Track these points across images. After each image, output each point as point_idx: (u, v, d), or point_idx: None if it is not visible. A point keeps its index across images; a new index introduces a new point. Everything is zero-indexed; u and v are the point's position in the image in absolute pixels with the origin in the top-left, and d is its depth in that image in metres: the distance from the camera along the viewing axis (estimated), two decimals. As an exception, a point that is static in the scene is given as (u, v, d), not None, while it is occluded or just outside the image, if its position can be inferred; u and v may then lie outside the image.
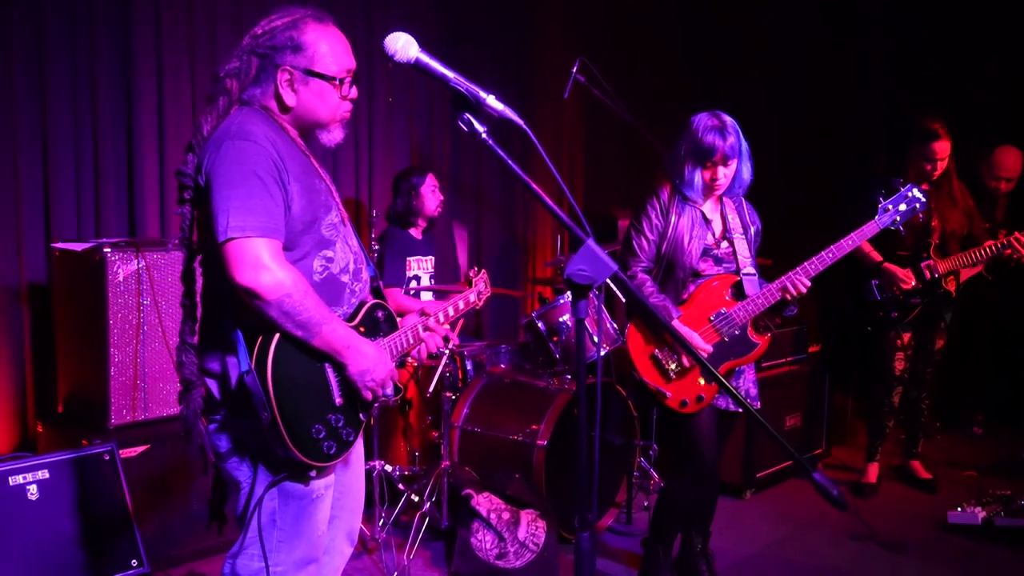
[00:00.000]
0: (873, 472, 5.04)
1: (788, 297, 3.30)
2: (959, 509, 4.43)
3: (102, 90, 4.27)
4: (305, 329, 2.17)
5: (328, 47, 2.28)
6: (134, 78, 4.36)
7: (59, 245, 3.91)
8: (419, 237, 4.78)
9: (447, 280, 4.88)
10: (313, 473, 2.29)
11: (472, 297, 2.93)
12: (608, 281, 1.66)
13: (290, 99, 2.29)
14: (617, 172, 6.94)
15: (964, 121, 5.29)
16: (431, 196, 4.71)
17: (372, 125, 5.43)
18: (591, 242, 1.59)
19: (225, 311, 2.21)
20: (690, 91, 7.02)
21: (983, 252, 4.52)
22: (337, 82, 2.30)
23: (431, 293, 4.72)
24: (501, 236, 6.37)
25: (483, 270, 3.12)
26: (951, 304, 4.75)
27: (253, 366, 2.13)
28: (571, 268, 1.59)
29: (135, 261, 3.70)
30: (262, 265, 2.10)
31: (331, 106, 2.33)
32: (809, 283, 3.29)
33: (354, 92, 2.37)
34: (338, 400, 2.30)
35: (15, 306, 4.09)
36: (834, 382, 5.55)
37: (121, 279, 3.67)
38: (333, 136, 2.39)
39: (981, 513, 4.36)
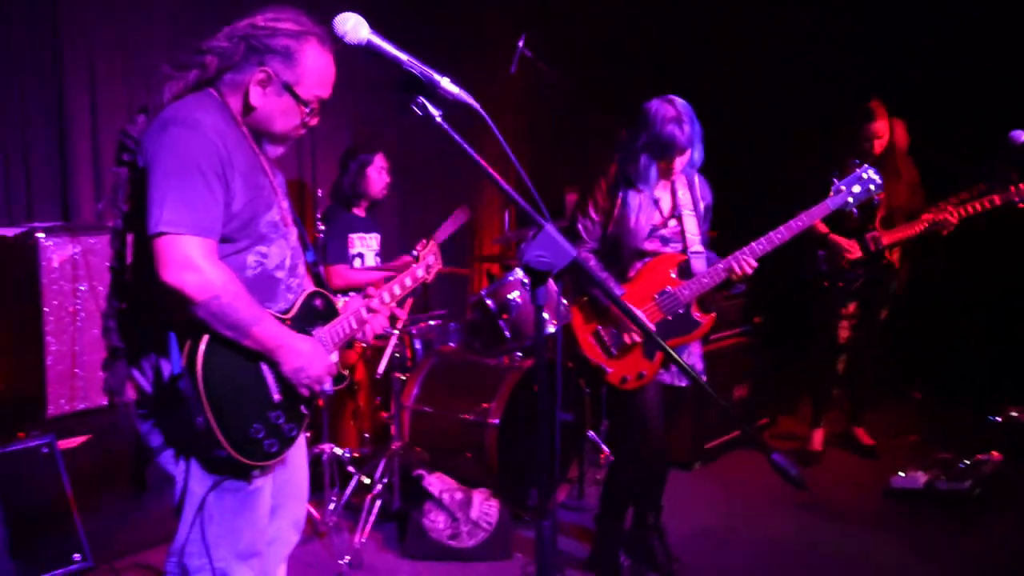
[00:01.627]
0: (818, 439, 5.13)
1: (734, 277, 3.31)
2: (902, 474, 4.53)
3: (29, 69, 4.10)
4: (236, 330, 2.11)
5: (317, 74, 2.23)
6: (64, 56, 4.19)
7: (-12, 230, 3.76)
8: (362, 215, 4.69)
9: (394, 258, 4.80)
10: (256, 473, 2.25)
11: (420, 272, 2.87)
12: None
13: (256, 100, 2.21)
14: (564, 147, 6.90)
15: (922, 98, 5.38)
16: (378, 177, 4.61)
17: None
18: (550, 227, 1.55)
19: (154, 308, 2.13)
20: (640, 65, 6.98)
21: (923, 224, 4.59)
22: (306, 108, 2.25)
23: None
24: (449, 215, 6.29)
25: (432, 242, 3.06)
26: (895, 275, 4.83)
27: (184, 369, 2.06)
28: (529, 255, 1.55)
29: (70, 246, 3.57)
30: (191, 265, 2.02)
31: (289, 125, 2.27)
32: (756, 263, 3.29)
33: (315, 121, 2.31)
34: (276, 397, 2.24)
35: (-57, 294, 3.93)
36: (780, 352, 5.62)
37: (56, 265, 3.54)
38: (276, 150, 2.34)
39: (923, 477, 4.47)
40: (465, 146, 1.57)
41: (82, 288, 3.59)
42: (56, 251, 3.53)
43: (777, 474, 1.77)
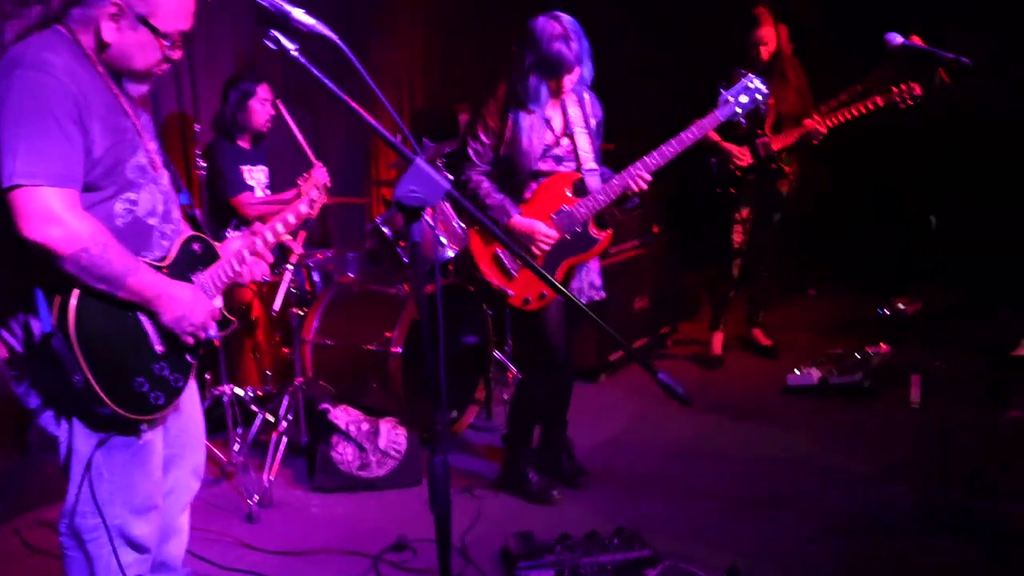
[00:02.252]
0: (718, 343, 5.28)
1: (629, 193, 3.31)
2: (797, 372, 4.71)
3: None
4: (108, 283, 2.01)
5: (174, 3, 2.07)
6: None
7: None
8: (247, 147, 4.50)
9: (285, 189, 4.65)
10: (144, 427, 2.18)
11: (303, 207, 2.77)
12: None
13: (109, 35, 2.05)
14: (458, 66, 6.74)
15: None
16: (261, 108, 4.40)
17: (192, 33, 5.01)
18: (420, 161, 1.50)
19: (18, 264, 2.01)
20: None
21: (796, 133, 4.67)
22: (167, 41, 2.09)
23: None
24: (342, 141, 6.12)
25: (314, 173, 2.96)
26: (785, 178, 4.92)
27: (55, 327, 1.96)
28: (401, 190, 1.50)
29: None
30: (53, 218, 1.91)
31: (150, 61, 2.12)
32: (650, 177, 3.29)
33: (178, 54, 2.16)
34: (159, 348, 2.16)
35: None
36: (678, 261, 5.72)
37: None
38: (140, 88, 2.19)
39: (817, 373, 4.65)
40: (325, 80, 1.50)
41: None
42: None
43: (665, 393, 1.79)
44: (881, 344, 4.84)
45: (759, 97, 3.38)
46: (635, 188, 3.29)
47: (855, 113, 4.54)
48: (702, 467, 3.87)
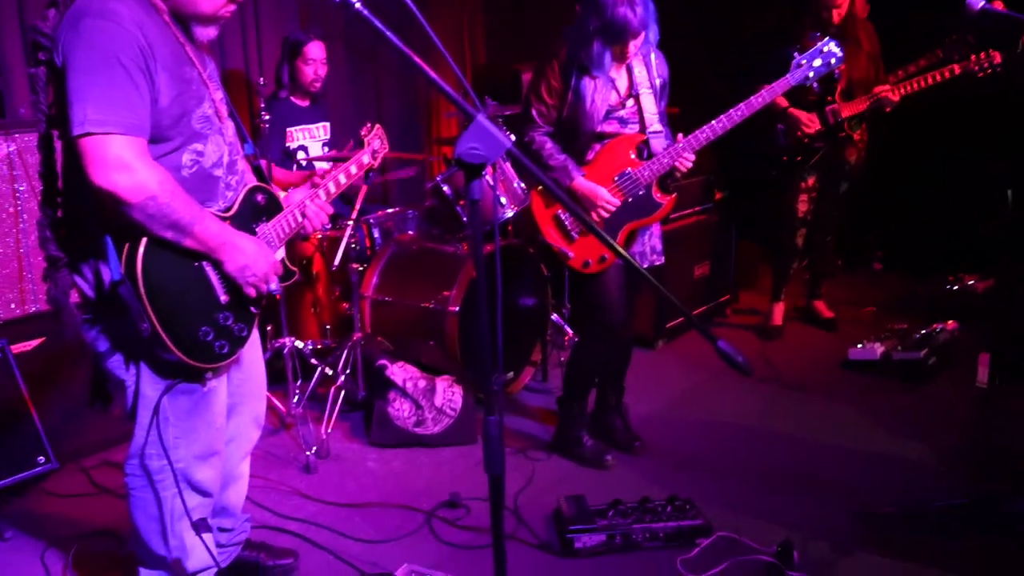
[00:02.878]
0: (778, 314, 5.19)
1: (676, 174, 3.30)
2: (859, 346, 4.61)
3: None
4: (175, 230, 2.04)
5: None
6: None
7: (-83, 131, 3.60)
8: (304, 104, 4.51)
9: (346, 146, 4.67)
10: (209, 375, 2.22)
11: (365, 158, 2.79)
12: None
13: None
14: (520, 26, 6.68)
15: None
16: (308, 67, 4.42)
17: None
18: (481, 117, 1.48)
19: (89, 211, 2.05)
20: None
21: (868, 101, 4.53)
22: None
23: (327, 163, 4.51)
24: (402, 98, 6.13)
25: (377, 126, 2.97)
26: (854, 147, 4.79)
27: (124, 275, 1.99)
28: (462, 147, 1.49)
29: (4, 145, 3.43)
30: (123, 165, 1.93)
31: (216, 3, 2.12)
32: (693, 157, 3.28)
33: None
34: (223, 298, 2.19)
35: None
36: (740, 229, 5.62)
37: (-9, 165, 3.42)
38: (208, 32, 2.19)
39: (880, 348, 4.55)
40: (387, 33, 1.49)
41: (21, 188, 3.48)
42: (-10, 151, 3.41)
43: (724, 361, 1.76)
44: (949, 321, 4.71)
45: (833, 61, 3.28)
46: (682, 169, 3.27)
47: (930, 81, 4.39)
48: (757, 440, 3.83)
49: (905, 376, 4.39)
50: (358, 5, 1.51)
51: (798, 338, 5.12)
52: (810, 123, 4.61)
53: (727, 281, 5.56)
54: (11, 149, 3.44)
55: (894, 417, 3.99)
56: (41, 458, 3.31)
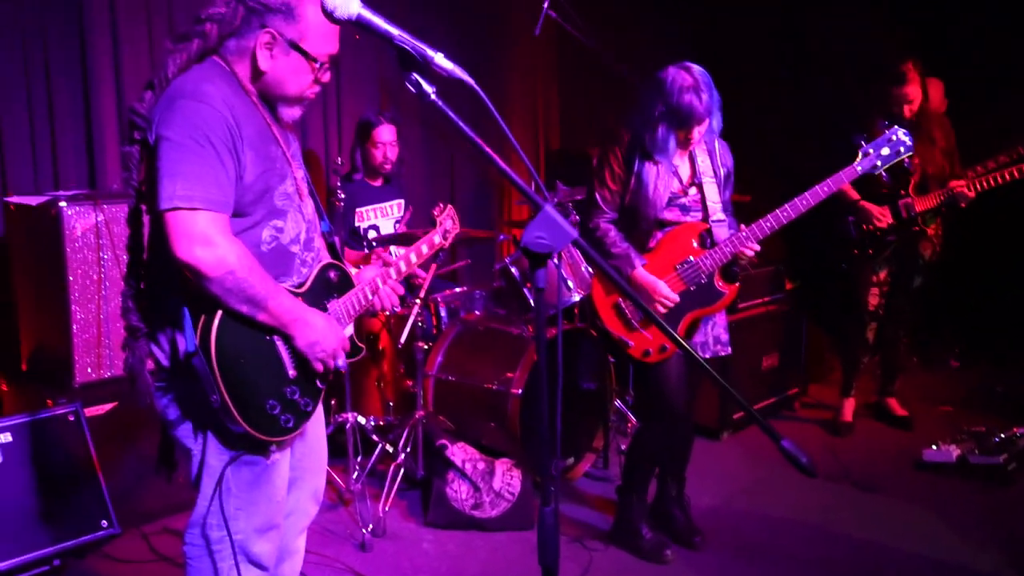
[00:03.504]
0: (848, 410, 5.05)
1: (741, 261, 3.27)
2: (934, 447, 4.45)
3: (53, 32, 4.10)
4: (251, 304, 2.09)
5: (321, 27, 2.15)
6: (86, 18, 4.19)
7: (13, 199, 3.78)
8: (377, 184, 4.62)
9: (420, 224, 4.76)
10: (273, 448, 2.25)
11: (437, 238, 2.83)
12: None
13: (265, 64, 2.16)
14: (592, 110, 6.79)
15: (954, 60, 5.18)
16: (377, 150, 4.53)
17: (339, 65, 5.25)
18: (549, 208, 1.50)
19: (170, 283, 2.12)
20: (664, 28, 6.81)
21: (942, 195, 4.46)
22: (316, 64, 2.19)
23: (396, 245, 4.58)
24: (475, 178, 6.25)
25: (448, 206, 3.01)
26: (928, 241, 4.71)
27: (198, 346, 2.05)
28: (528, 236, 1.51)
29: (93, 214, 3.58)
30: (205, 240, 2.00)
31: (302, 85, 2.21)
32: (757, 247, 3.23)
33: (327, 77, 2.25)
34: (291, 372, 2.23)
35: (-28, 263, 3.98)
36: (810, 320, 5.53)
37: (79, 233, 3.56)
38: (293, 112, 2.28)
39: (956, 451, 4.39)
40: (460, 124, 1.52)
41: (105, 257, 3.61)
42: (79, 219, 3.55)
43: (788, 461, 1.72)
44: (1029, 425, 4.53)
45: (902, 150, 3.25)
46: (746, 258, 3.24)
47: (1008, 178, 4.32)
48: (820, 539, 3.70)
49: (982, 481, 4.21)
50: (433, 96, 1.55)
51: (869, 436, 4.96)
52: (882, 216, 4.55)
53: (797, 373, 5.45)
54: (99, 219, 3.59)
55: (969, 524, 3.82)
56: (104, 522, 3.36)
